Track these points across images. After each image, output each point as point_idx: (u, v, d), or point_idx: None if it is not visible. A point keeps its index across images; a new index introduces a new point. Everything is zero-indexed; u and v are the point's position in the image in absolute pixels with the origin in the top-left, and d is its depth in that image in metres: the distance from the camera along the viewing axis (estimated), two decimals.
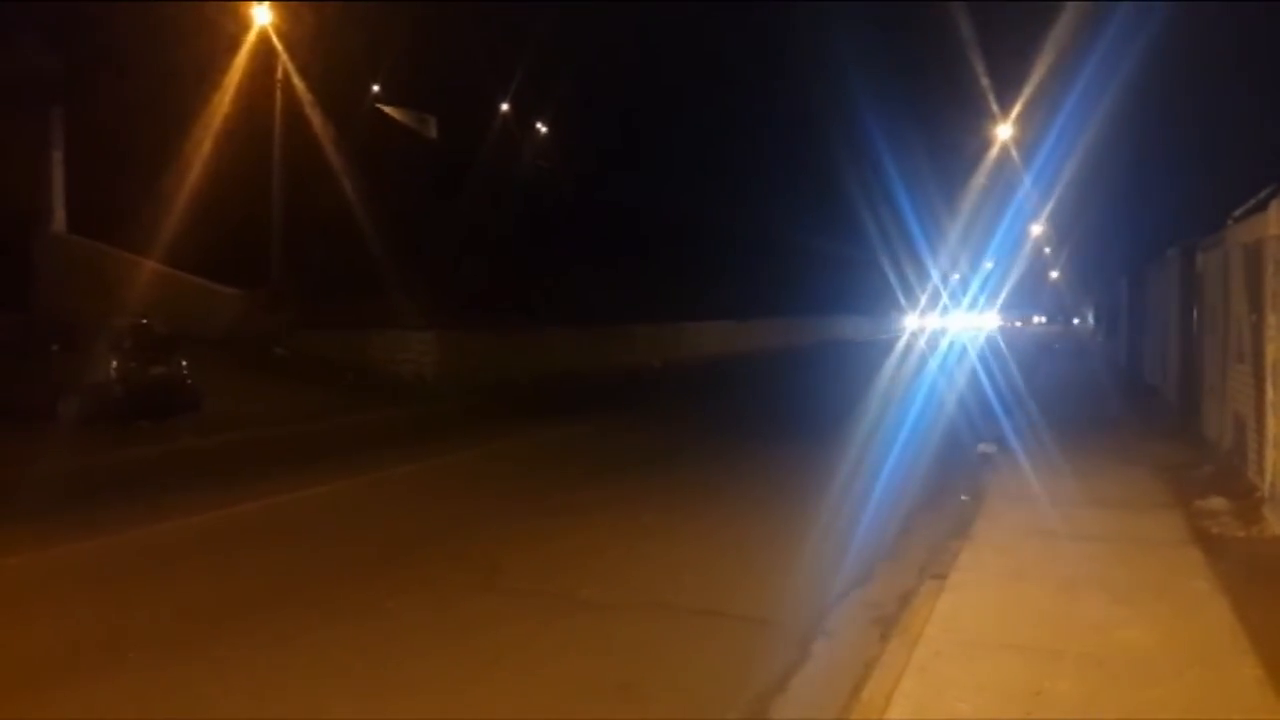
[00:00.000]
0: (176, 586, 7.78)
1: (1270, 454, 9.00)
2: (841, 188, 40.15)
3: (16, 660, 6.17)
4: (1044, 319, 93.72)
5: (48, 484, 11.64)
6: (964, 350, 38.48)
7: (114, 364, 16.68)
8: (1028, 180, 37.19)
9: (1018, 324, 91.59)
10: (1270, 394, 9.00)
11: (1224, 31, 19.81)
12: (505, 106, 37.74)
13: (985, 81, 30.87)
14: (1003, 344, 43.28)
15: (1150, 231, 23.85)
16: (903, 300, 48.91)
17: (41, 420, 15.40)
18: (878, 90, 39.48)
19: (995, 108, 33.28)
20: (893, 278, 47.36)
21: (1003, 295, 65.03)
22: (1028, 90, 29.27)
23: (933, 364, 32.73)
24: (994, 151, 36.61)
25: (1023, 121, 33.95)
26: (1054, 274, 78.74)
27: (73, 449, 14.01)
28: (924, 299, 48.46)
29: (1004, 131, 35.67)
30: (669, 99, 39.56)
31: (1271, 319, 9.01)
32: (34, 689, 5.67)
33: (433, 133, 37.27)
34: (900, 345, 43.76)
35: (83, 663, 6.06)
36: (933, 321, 52.07)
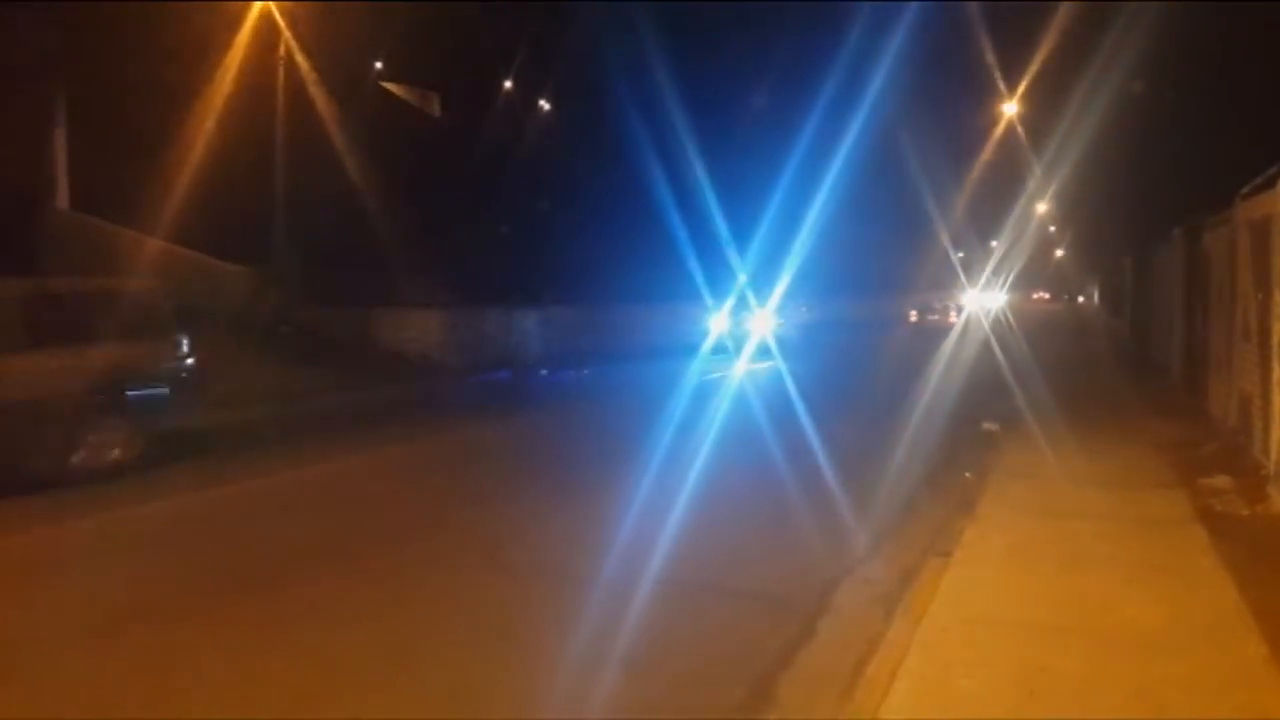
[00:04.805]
0: (176, 562, 7.81)
1: (1276, 432, 8.98)
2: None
3: (12, 636, 6.20)
4: (1046, 295, 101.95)
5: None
6: None
7: None
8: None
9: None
10: (1277, 372, 8.97)
11: (1231, 10, 19.65)
12: (509, 84, 37.48)
13: (991, 58, 30.61)
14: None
15: (1155, 211, 23.74)
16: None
17: None
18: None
19: (1001, 85, 33.04)
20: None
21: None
22: (1033, 67, 29.01)
23: None
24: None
25: (1028, 99, 33.74)
26: (1059, 252, 78.70)
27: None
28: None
29: (1009, 108, 35.47)
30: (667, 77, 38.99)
31: (1278, 297, 8.97)
32: (34, 664, 5.70)
33: (436, 110, 37.06)
34: None
35: (81, 638, 6.09)
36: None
